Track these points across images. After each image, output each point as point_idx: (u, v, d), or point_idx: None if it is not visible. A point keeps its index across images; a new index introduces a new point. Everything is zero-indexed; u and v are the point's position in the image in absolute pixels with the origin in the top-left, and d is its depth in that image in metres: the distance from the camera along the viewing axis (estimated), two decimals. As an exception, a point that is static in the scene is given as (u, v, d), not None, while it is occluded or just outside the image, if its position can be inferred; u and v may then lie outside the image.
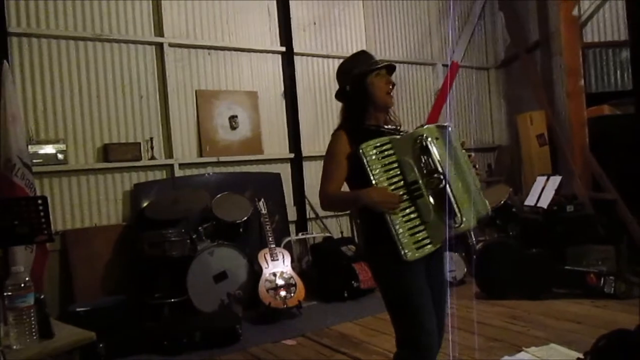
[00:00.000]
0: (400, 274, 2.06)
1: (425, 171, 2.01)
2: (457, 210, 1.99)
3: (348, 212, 5.97)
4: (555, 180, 5.19)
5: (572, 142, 5.86)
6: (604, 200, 5.41)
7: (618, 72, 6.07)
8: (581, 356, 2.98)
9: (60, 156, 4.42)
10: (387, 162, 2.02)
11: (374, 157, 2.00)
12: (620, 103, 5.70)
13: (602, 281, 4.34)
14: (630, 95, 5.22)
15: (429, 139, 2.02)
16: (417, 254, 1.99)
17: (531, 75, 6.65)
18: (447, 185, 1.99)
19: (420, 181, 2.01)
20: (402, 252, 1.97)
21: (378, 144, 2.02)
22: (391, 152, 2.03)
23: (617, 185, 5.36)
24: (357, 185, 2.09)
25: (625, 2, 2.28)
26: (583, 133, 5.82)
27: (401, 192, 2.01)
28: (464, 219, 2.00)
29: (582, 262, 4.67)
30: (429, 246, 2.01)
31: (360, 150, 1.99)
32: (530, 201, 5.33)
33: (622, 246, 4.87)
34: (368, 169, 1.99)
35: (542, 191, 5.23)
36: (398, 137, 2.10)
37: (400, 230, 1.98)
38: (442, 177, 2.00)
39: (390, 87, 2.21)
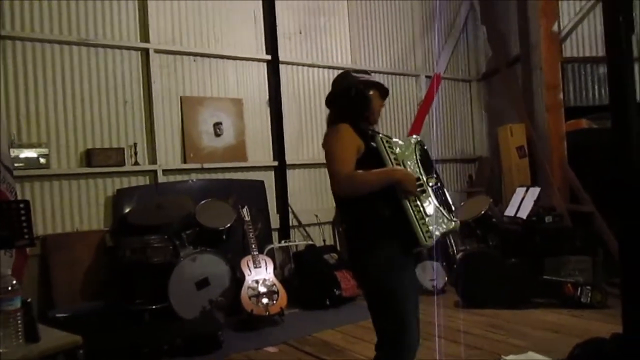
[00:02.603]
0: (393, 275, 2.12)
1: (423, 171, 2.19)
2: (453, 206, 2.20)
3: (330, 220, 6.02)
4: (534, 191, 5.28)
5: (550, 155, 5.98)
6: (581, 212, 5.52)
7: (596, 87, 6.22)
8: (558, 364, 3.05)
9: (42, 160, 4.39)
10: (394, 158, 2.15)
11: (388, 148, 2.14)
12: (598, 117, 5.83)
13: (579, 291, 4.43)
14: (607, 110, 5.34)
15: (424, 145, 2.28)
16: (428, 242, 2.06)
17: (512, 89, 6.77)
18: (442, 185, 2.23)
19: (422, 178, 2.17)
20: (421, 236, 2.04)
21: (388, 140, 2.18)
22: (394, 150, 2.18)
23: (594, 197, 5.47)
24: None
25: (603, 18, 2.37)
26: (562, 146, 5.95)
27: None
28: (456, 217, 2.20)
29: (560, 273, 4.75)
30: (431, 239, 2.08)
31: (380, 138, 2.14)
32: (509, 212, 5.41)
33: (598, 257, 4.96)
34: (388, 156, 2.11)
35: (522, 202, 5.32)
36: (396, 140, 2.27)
37: (417, 216, 2.07)
38: (438, 177, 2.21)
39: (380, 108, 2.37)
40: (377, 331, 2.19)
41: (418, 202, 2.09)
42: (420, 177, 2.15)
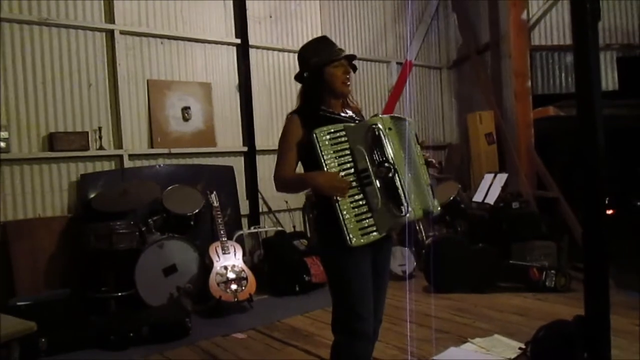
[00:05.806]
0: (344, 260, 2.09)
1: (375, 160, 2.06)
2: (404, 199, 2.03)
3: (301, 206, 6.00)
4: (502, 177, 5.35)
5: (518, 142, 6.06)
6: (547, 198, 5.63)
7: (563, 74, 6.31)
8: (523, 346, 3.11)
9: (2, 144, 4.24)
10: (339, 149, 2.06)
11: (327, 142, 2.04)
12: (565, 105, 5.93)
13: (543, 275, 4.52)
14: (573, 97, 5.44)
15: (382, 129, 2.07)
16: (362, 240, 2.02)
17: (481, 76, 6.83)
18: (397, 175, 2.04)
19: (370, 169, 2.05)
20: (347, 238, 2.00)
21: (332, 130, 2.06)
22: (344, 139, 2.07)
23: (559, 183, 5.58)
24: (310, 168, 2.13)
25: (570, 7, 2.38)
26: (529, 133, 6.03)
27: (351, 179, 2.05)
28: (409, 209, 2.04)
29: (526, 257, 4.84)
30: (375, 233, 2.05)
31: (314, 136, 2.03)
32: (477, 198, 5.48)
33: (563, 242, 5.08)
34: (320, 154, 2.02)
35: (489, 188, 5.39)
36: (352, 124, 2.14)
37: (347, 216, 2.02)
38: (391, 166, 2.04)
39: (348, 76, 2.25)
40: (332, 314, 2.18)
41: (353, 200, 2.02)
42: (368, 167, 2.04)
